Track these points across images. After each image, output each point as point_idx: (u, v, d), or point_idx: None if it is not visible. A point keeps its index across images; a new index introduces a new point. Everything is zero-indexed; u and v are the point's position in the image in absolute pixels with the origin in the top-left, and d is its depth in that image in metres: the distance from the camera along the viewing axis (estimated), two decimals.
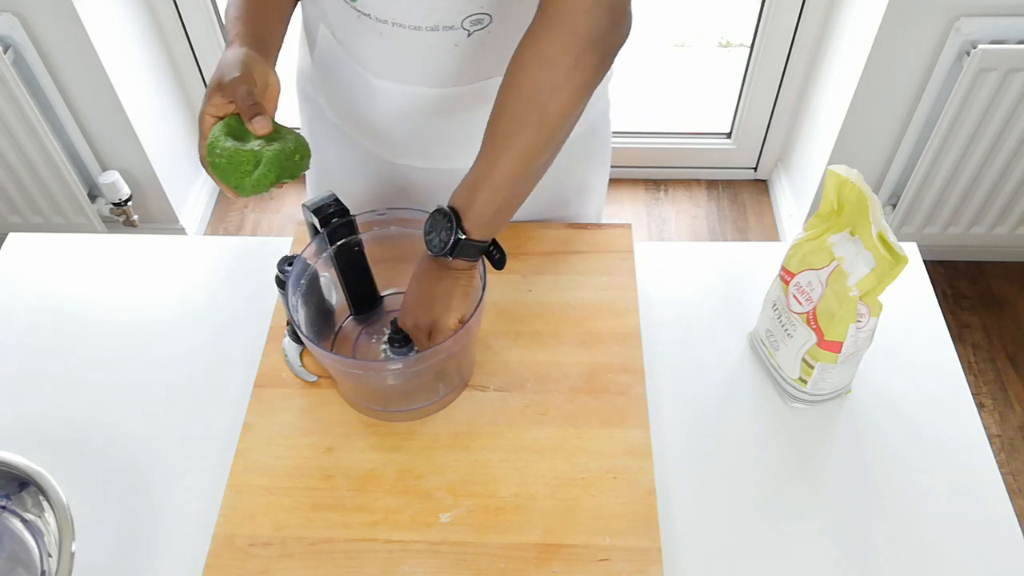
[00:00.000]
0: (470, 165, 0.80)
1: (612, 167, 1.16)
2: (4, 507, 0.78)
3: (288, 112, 0.91)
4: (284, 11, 0.87)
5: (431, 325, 0.82)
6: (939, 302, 1.01)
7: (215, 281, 1.06)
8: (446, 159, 0.98)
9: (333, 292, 0.95)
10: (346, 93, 0.96)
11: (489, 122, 0.79)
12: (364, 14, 0.82)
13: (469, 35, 0.82)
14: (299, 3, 0.92)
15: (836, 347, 0.83)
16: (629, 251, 1.04)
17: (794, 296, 0.86)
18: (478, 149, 0.80)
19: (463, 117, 0.92)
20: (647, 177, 2.37)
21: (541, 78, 0.75)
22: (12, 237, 1.12)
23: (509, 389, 0.90)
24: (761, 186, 2.35)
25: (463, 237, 0.79)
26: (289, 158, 0.78)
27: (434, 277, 0.82)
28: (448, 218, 0.79)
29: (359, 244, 0.89)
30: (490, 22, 0.82)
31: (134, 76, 1.94)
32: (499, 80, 0.79)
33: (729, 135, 2.29)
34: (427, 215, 0.82)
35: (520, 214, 0.90)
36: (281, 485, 0.84)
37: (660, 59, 2.79)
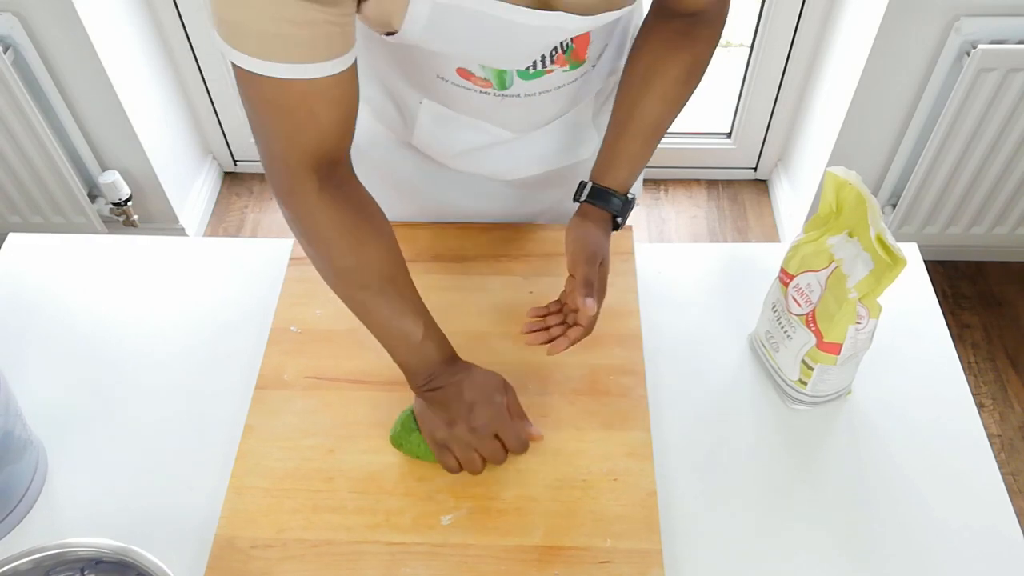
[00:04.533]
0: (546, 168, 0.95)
1: None
2: None
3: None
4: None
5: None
6: (939, 302, 1.01)
7: (215, 282, 1.06)
8: (533, 169, 1.01)
9: None
10: (455, 147, 0.95)
11: (632, 115, 0.87)
12: (512, 96, 0.84)
13: (594, 67, 0.88)
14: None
15: (835, 349, 0.83)
16: (630, 252, 1.04)
17: (793, 298, 0.86)
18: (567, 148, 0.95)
19: (568, 129, 0.97)
20: (647, 177, 2.37)
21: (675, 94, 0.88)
22: (12, 237, 1.12)
23: None
24: (761, 186, 2.35)
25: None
26: None
27: (607, 237, 0.89)
28: (632, 200, 0.90)
29: None
30: (607, 48, 0.88)
31: (134, 76, 1.94)
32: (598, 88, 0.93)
33: (729, 135, 2.29)
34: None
35: (551, 216, 1.09)
36: (282, 487, 0.84)
37: None
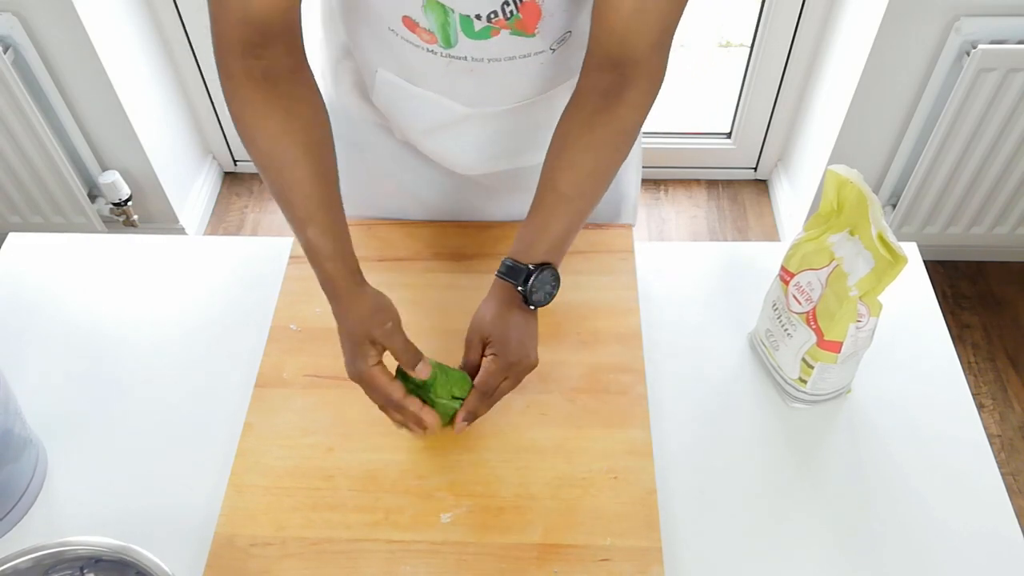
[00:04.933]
0: (528, 163, 0.88)
1: None
2: None
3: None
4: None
5: (527, 366, 0.84)
6: (939, 302, 1.01)
7: (215, 281, 1.06)
8: (510, 162, 1.00)
9: None
10: (417, 123, 0.94)
11: (552, 187, 0.84)
12: (458, 58, 0.83)
13: (553, 52, 0.85)
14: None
15: (836, 347, 0.83)
16: (630, 251, 1.04)
17: (794, 296, 0.86)
18: (538, 146, 0.88)
19: (533, 121, 0.94)
20: (647, 177, 2.37)
21: (606, 159, 0.84)
22: (12, 237, 1.12)
23: None
24: (761, 186, 2.35)
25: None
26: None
27: (525, 319, 0.86)
28: (555, 276, 0.86)
29: None
30: (570, 36, 0.84)
31: (134, 76, 1.94)
32: (570, 82, 0.86)
33: (729, 135, 2.29)
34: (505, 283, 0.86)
35: None
36: (282, 485, 0.84)
37: None
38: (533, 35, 0.81)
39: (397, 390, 0.80)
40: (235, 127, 0.79)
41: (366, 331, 0.80)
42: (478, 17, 0.77)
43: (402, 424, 0.82)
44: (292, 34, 0.77)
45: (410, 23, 0.80)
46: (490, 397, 0.83)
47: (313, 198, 0.80)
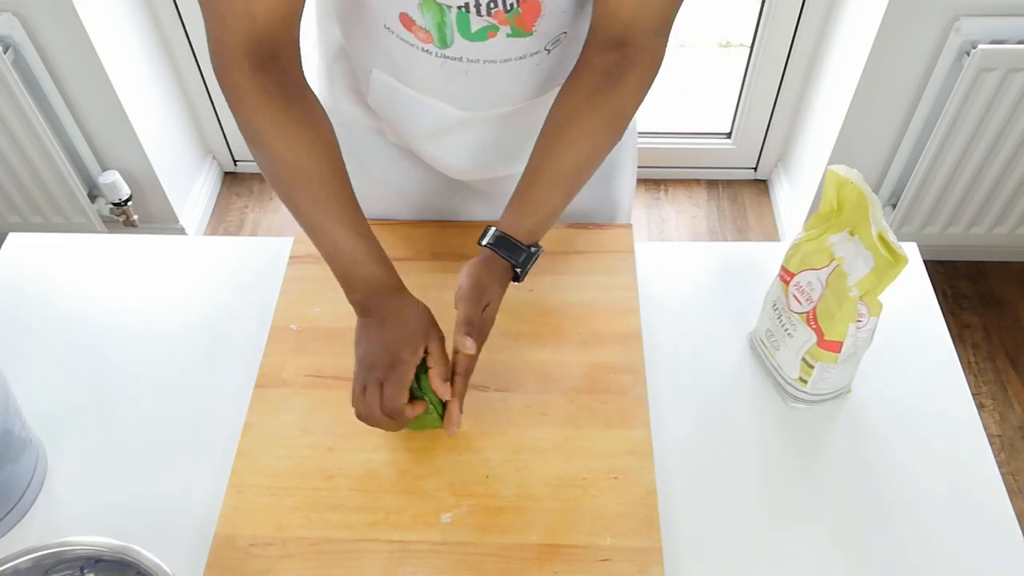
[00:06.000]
0: (520, 168, 0.87)
1: None
2: None
3: None
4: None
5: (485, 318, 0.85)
6: (939, 302, 1.01)
7: (215, 281, 1.06)
8: (504, 168, 1.00)
9: None
10: (409, 125, 0.95)
11: (551, 164, 0.84)
12: (454, 59, 0.83)
13: (548, 53, 0.85)
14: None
15: (836, 347, 0.83)
16: (630, 251, 1.04)
17: (794, 296, 0.86)
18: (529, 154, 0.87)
19: (526, 127, 0.94)
20: (647, 177, 2.37)
21: (596, 144, 0.85)
22: (12, 237, 1.12)
23: (510, 389, 0.91)
24: (761, 186, 2.35)
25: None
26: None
27: (501, 297, 0.87)
28: (540, 252, 0.88)
29: None
30: (565, 37, 0.84)
31: (134, 76, 1.94)
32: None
33: (729, 135, 2.29)
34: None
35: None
36: (282, 485, 0.84)
37: None
38: (530, 34, 0.81)
39: (406, 395, 0.80)
40: (248, 140, 0.79)
41: (425, 335, 0.81)
42: (477, 7, 0.77)
43: (381, 425, 0.81)
44: (294, 48, 0.78)
45: (407, 20, 0.80)
46: (468, 379, 0.83)
47: (342, 203, 0.81)
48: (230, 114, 0.80)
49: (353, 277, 0.83)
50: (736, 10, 2.95)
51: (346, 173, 0.83)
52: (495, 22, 0.78)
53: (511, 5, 0.77)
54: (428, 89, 0.88)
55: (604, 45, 0.81)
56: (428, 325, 0.82)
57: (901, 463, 0.87)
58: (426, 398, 0.81)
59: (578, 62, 0.84)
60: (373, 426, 0.81)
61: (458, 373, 0.82)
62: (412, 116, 0.92)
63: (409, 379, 0.79)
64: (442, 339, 0.82)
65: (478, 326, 0.82)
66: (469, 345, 0.80)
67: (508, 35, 0.80)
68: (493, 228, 0.87)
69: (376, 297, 0.83)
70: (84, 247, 1.11)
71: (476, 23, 0.78)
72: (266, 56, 0.75)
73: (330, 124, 0.82)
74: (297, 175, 0.80)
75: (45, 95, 1.85)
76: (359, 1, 0.82)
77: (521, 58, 0.84)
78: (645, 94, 0.84)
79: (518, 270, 0.86)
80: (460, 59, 0.82)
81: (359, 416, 0.80)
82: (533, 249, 0.87)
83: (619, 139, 0.86)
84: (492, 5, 0.77)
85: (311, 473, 0.84)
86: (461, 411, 0.83)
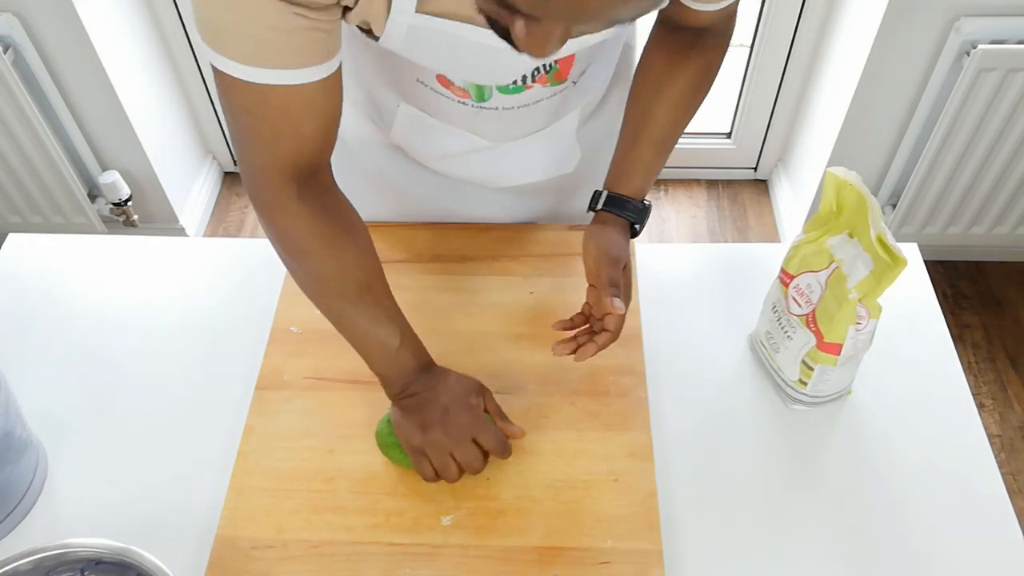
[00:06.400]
0: (532, 180, 0.95)
1: None
2: None
3: None
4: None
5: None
6: (939, 302, 1.01)
7: (216, 282, 1.06)
8: (517, 179, 1.00)
9: None
10: (432, 150, 0.95)
11: (652, 121, 0.86)
12: (489, 108, 0.84)
13: (575, 84, 0.87)
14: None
15: (836, 349, 0.83)
16: (630, 252, 1.04)
17: (794, 298, 0.86)
18: (542, 166, 0.94)
19: (545, 145, 0.96)
20: None
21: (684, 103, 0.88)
22: (12, 237, 1.12)
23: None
24: (761, 186, 2.35)
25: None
26: None
27: (628, 242, 0.89)
28: (649, 207, 0.90)
29: None
30: (590, 67, 0.87)
31: (134, 76, 1.94)
32: (584, 103, 0.92)
33: (729, 135, 2.29)
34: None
35: (555, 217, 1.08)
36: (283, 487, 0.84)
37: None
38: (567, 79, 0.83)
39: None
40: (285, 254, 0.78)
41: (479, 388, 0.83)
42: (515, 83, 0.79)
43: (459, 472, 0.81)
44: (330, 155, 0.77)
45: (444, 82, 0.81)
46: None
47: (392, 308, 0.82)
48: None
49: (401, 372, 0.83)
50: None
51: (383, 275, 0.83)
52: (537, 84, 0.81)
53: (550, 67, 0.79)
54: (458, 124, 0.90)
55: (679, 28, 0.84)
56: (472, 380, 0.84)
57: (901, 464, 0.87)
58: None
59: (651, 37, 0.87)
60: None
61: (607, 330, 0.82)
62: (434, 142, 0.93)
63: (492, 412, 0.83)
64: (490, 393, 0.85)
65: (622, 286, 0.83)
66: (618, 305, 0.80)
67: (546, 87, 0.83)
68: (603, 192, 0.88)
69: (421, 379, 0.83)
70: (84, 247, 1.11)
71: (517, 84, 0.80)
72: (309, 174, 0.74)
73: (365, 227, 0.81)
74: (338, 285, 0.80)
75: (45, 95, 1.85)
76: (390, 60, 0.81)
77: (552, 96, 0.86)
78: (725, 54, 0.87)
79: (636, 226, 0.88)
80: (496, 108, 0.84)
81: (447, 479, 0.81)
82: (646, 202, 0.89)
83: (705, 96, 0.88)
84: (536, 74, 0.79)
85: (312, 475, 0.85)
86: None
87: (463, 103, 0.83)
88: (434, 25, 0.68)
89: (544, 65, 0.79)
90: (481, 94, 0.82)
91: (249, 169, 0.73)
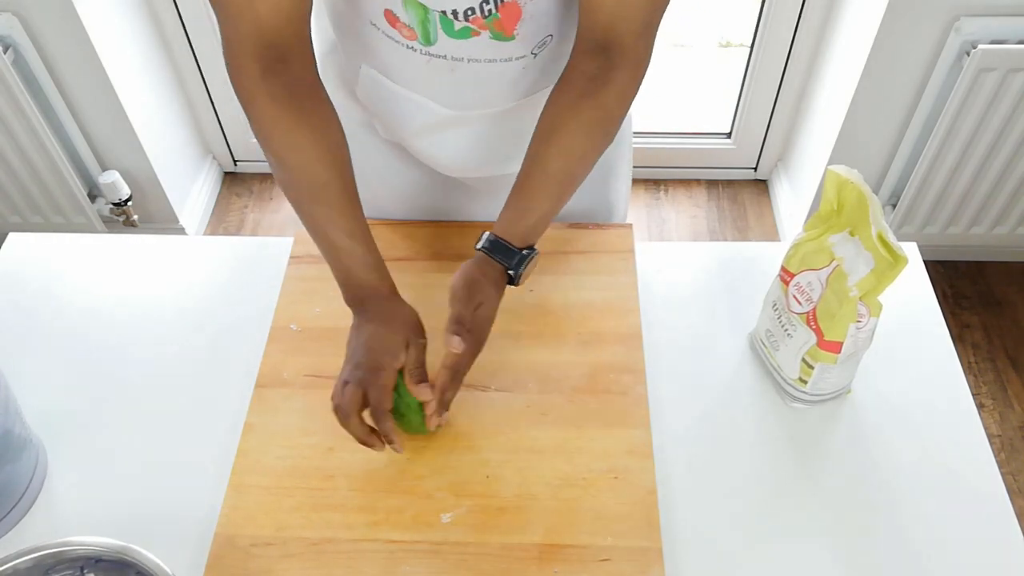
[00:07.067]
0: (515, 169, 0.87)
1: None
2: None
3: None
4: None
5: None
6: (939, 302, 1.01)
7: (216, 281, 1.06)
8: (497, 167, 1.00)
9: None
10: (399, 121, 0.95)
11: (542, 168, 0.84)
12: (438, 56, 0.83)
13: (535, 57, 0.85)
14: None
15: (836, 347, 0.83)
16: (630, 251, 1.04)
17: (794, 296, 0.86)
18: (523, 153, 0.87)
19: (518, 127, 0.94)
20: (647, 177, 2.37)
21: (584, 148, 0.85)
22: (12, 237, 1.12)
23: (510, 389, 0.91)
24: (761, 186, 2.35)
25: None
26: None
27: (497, 301, 0.87)
28: (536, 255, 0.87)
29: None
30: (551, 40, 0.84)
31: (134, 76, 1.94)
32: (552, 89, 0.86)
33: (729, 135, 2.29)
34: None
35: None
36: (282, 485, 0.84)
37: (660, 59, 2.78)
38: (512, 38, 0.81)
39: (391, 400, 0.80)
40: (261, 146, 0.80)
41: (406, 336, 0.82)
42: (455, 14, 0.77)
43: (364, 441, 0.80)
44: (305, 47, 0.78)
45: (391, 17, 0.80)
46: (460, 379, 0.83)
47: (344, 209, 0.83)
48: (230, 114, 0.82)
49: (349, 280, 0.85)
50: (736, 10, 2.95)
51: (352, 178, 0.84)
52: (474, 27, 0.79)
53: (489, 11, 0.77)
54: (415, 86, 0.89)
55: (589, 49, 0.81)
56: (410, 330, 0.83)
57: (901, 463, 0.87)
58: (405, 401, 0.81)
59: (566, 67, 0.84)
60: (348, 429, 0.79)
61: (444, 366, 0.82)
62: (400, 112, 0.93)
63: (391, 383, 0.79)
64: (422, 345, 0.83)
65: (468, 326, 0.82)
66: (455, 344, 0.79)
67: (490, 38, 0.80)
68: (488, 232, 0.87)
69: (368, 300, 0.84)
70: (84, 247, 1.11)
71: (458, 23, 0.79)
72: (275, 59, 0.76)
73: (340, 128, 0.82)
74: (302, 179, 0.81)
75: (45, 95, 1.85)
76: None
77: (507, 60, 0.84)
78: (632, 97, 0.84)
79: (511, 272, 0.86)
80: (444, 57, 0.83)
81: (337, 409, 0.79)
82: (527, 252, 0.86)
83: (610, 142, 0.86)
84: (470, 12, 0.77)
85: (311, 473, 0.85)
86: (447, 409, 0.83)
87: (411, 48, 0.82)
88: None
89: (483, 7, 0.77)
90: (427, 34, 0.80)
91: (222, 40, 0.76)
